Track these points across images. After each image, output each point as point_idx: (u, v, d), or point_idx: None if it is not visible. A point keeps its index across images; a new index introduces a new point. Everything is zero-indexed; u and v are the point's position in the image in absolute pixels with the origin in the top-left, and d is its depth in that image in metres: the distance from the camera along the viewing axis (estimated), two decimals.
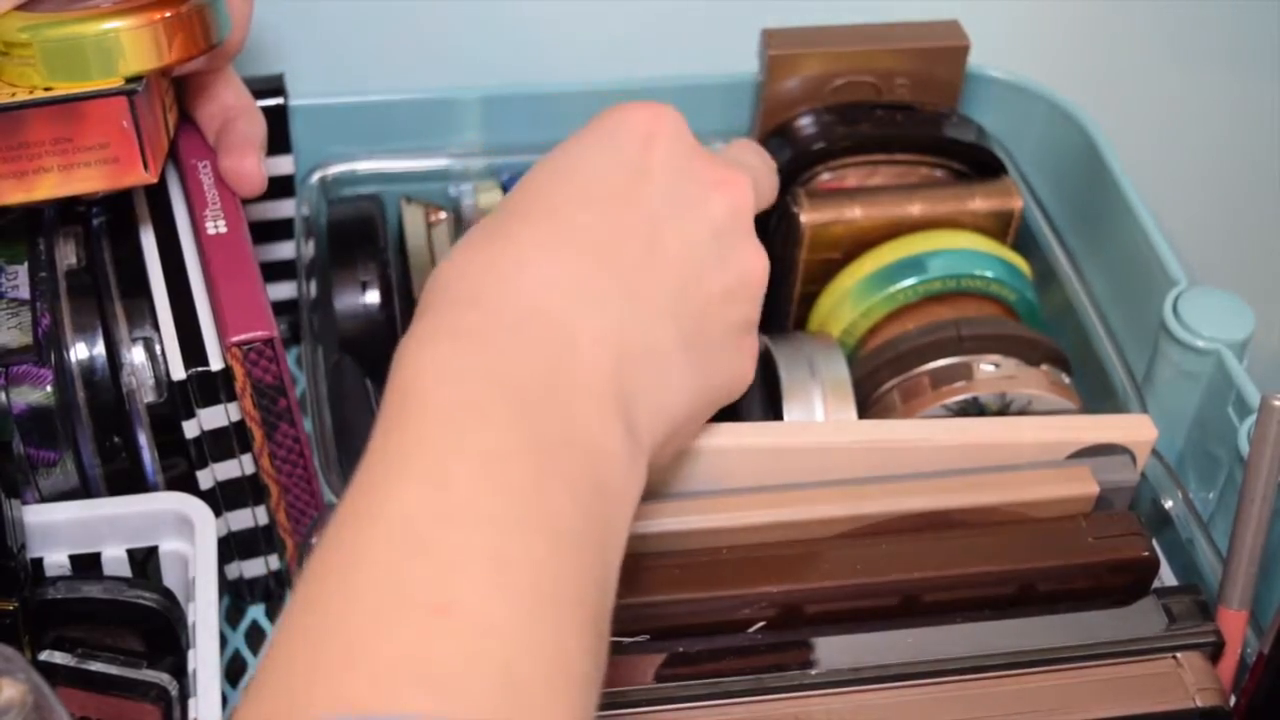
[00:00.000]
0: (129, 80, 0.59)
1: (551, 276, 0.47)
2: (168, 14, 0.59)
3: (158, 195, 0.69)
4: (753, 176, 0.56)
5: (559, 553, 0.40)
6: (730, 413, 0.74)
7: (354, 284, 0.77)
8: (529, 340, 0.45)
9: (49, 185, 0.60)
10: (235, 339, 0.63)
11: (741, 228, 0.54)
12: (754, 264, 0.54)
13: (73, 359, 0.64)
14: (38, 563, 0.64)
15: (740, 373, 0.55)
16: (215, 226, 0.67)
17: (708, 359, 0.52)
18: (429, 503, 0.39)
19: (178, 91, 0.69)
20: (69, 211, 0.69)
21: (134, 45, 0.59)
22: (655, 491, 0.60)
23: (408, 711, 0.33)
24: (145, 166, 0.60)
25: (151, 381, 0.65)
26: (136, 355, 0.65)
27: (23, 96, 0.59)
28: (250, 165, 0.68)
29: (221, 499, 0.68)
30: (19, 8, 0.60)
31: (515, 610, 0.37)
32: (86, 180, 0.60)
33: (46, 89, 0.59)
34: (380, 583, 0.37)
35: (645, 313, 0.49)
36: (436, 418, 0.41)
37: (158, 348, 0.65)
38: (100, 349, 0.65)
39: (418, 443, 0.41)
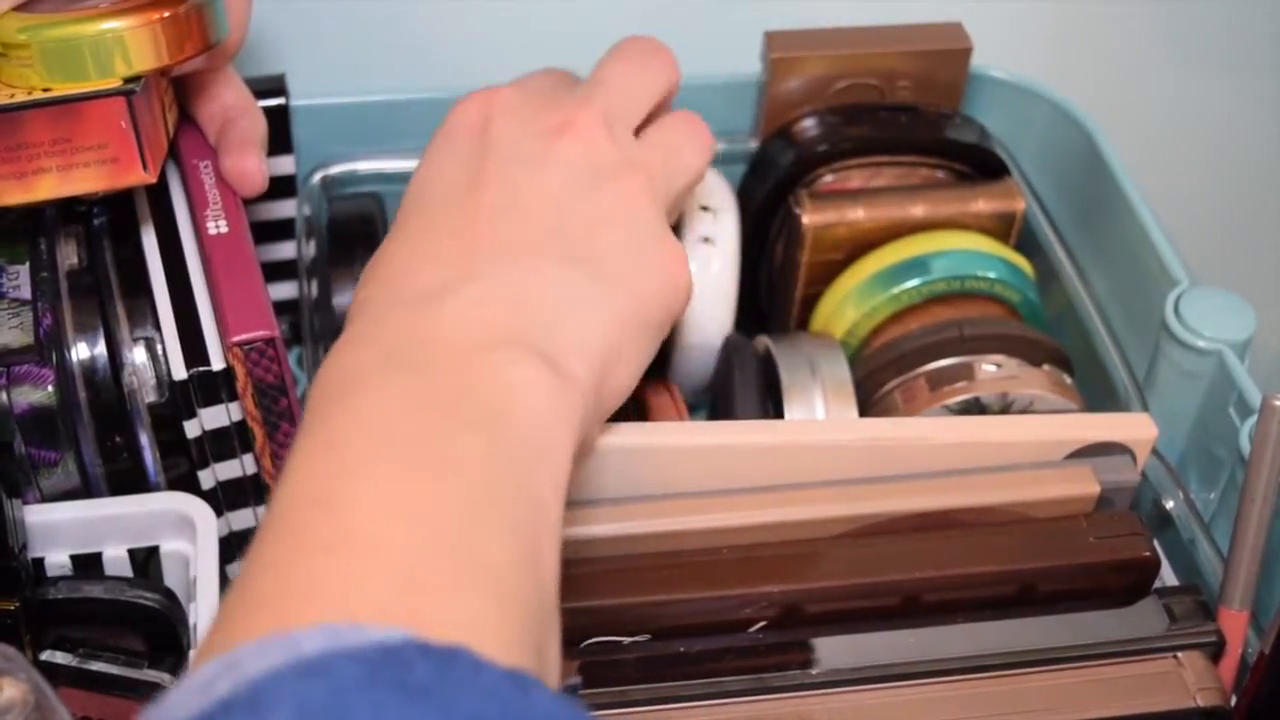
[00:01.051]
0: (128, 80, 0.59)
1: (427, 269, 0.53)
2: (166, 14, 0.59)
3: (159, 195, 0.69)
4: (605, 108, 0.60)
5: (461, 482, 0.43)
6: (730, 413, 0.75)
7: (354, 283, 0.77)
8: (415, 323, 0.50)
9: (48, 186, 0.60)
10: (236, 339, 0.63)
11: (600, 160, 0.57)
12: (626, 183, 0.57)
13: (74, 359, 0.65)
14: (39, 563, 0.64)
15: (667, 274, 0.57)
16: (216, 226, 0.67)
17: (619, 272, 0.55)
18: (325, 464, 0.44)
19: (178, 91, 0.69)
20: (70, 211, 0.69)
21: (132, 45, 0.59)
22: (657, 491, 0.60)
23: (309, 626, 0.37)
24: (144, 167, 0.60)
25: (153, 381, 0.65)
26: (138, 355, 0.65)
27: (21, 97, 0.59)
28: (251, 164, 0.68)
29: (223, 499, 0.68)
30: (17, 8, 0.60)
31: (411, 533, 0.41)
32: (86, 181, 0.60)
33: (45, 90, 0.59)
34: (284, 535, 0.41)
35: (524, 260, 0.53)
36: (331, 395, 0.47)
37: (159, 347, 0.65)
38: (102, 349, 0.65)
39: (320, 418, 0.46)
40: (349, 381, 0.47)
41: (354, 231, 0.80)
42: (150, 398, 0.65)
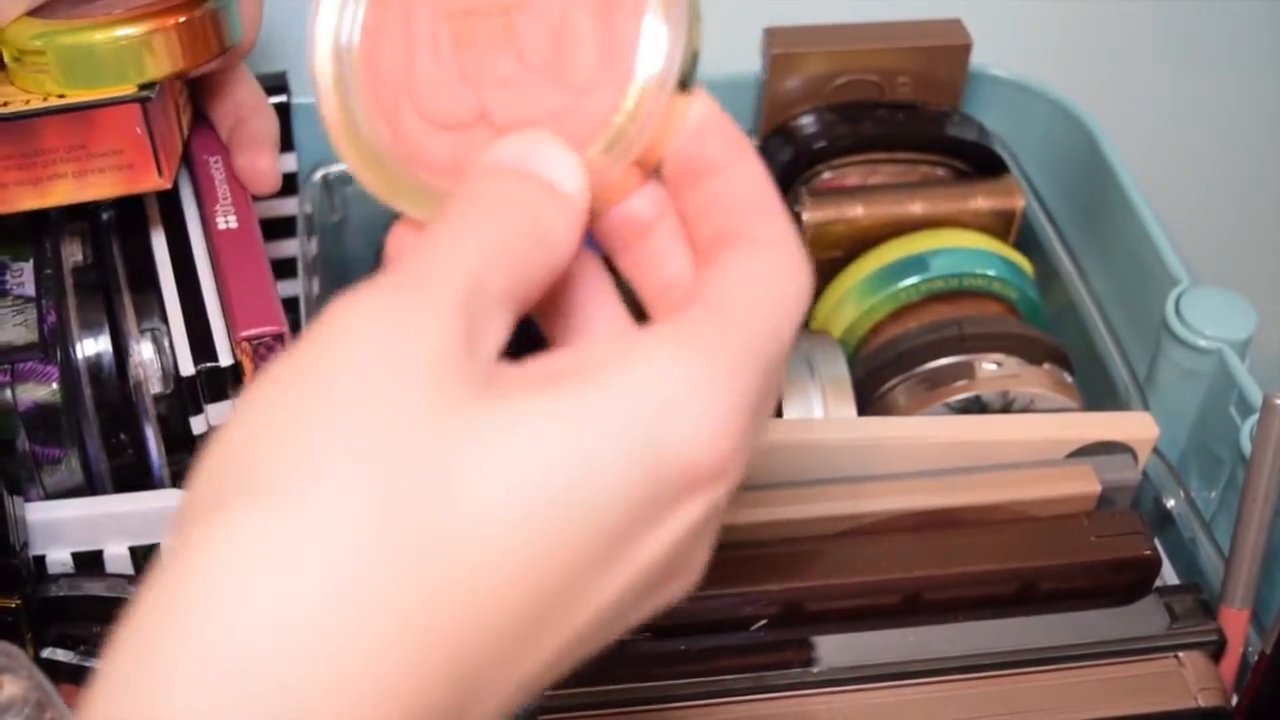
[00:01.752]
0: (143, 86, 0.59)
1: None
2: (181, 19, 0.59)
3: (167, 191, 0.69)
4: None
5: None
6: None
7: None
8: None
9: (64, 191, 0.60)
10: (245, 334, 0.63)
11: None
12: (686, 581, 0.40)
13: (79, 355, 0.64)
14: (40, 560, 0.64)
15: (677, 592, 0.40)
16: (226, 222, 0.67)
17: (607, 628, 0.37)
18: None
19: (191, 89, 0.69)
20: (76, 208, 0.69)
21: (148, 52, 0.59)
22: None
23: None
24: (159, 172, 0.61)
25: (160, 375, 0.65)
26: (145, 350, 0.65)
27: (37, 104, 0.59)
28: (264, 163, 0.68)
29: None
30: (32, 13, 0.60)
31: None
32: (101, 186, 0.60)
33: (60, 96, 0.59)
34: None
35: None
36: None
37: (166, 343, 0.65)
38: (107, 345, 0.65)
39: None
40: None
41: None
42: (156, 389, 0.65)
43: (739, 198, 0.39)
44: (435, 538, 0.31)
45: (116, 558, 0.65)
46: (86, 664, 0.62)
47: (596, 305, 0.41)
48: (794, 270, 0.38)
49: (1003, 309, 0.78)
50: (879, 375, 0.75)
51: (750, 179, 0.40)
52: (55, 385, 0.63)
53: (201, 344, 0.64)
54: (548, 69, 0.39)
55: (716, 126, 0.40)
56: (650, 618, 0.39)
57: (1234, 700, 0.61)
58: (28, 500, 0.62)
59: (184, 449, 0.66)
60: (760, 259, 0.38)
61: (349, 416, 0.32)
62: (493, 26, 0.39)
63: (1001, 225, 0.80)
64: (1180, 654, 0.60)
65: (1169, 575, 0.69)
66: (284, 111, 0.80)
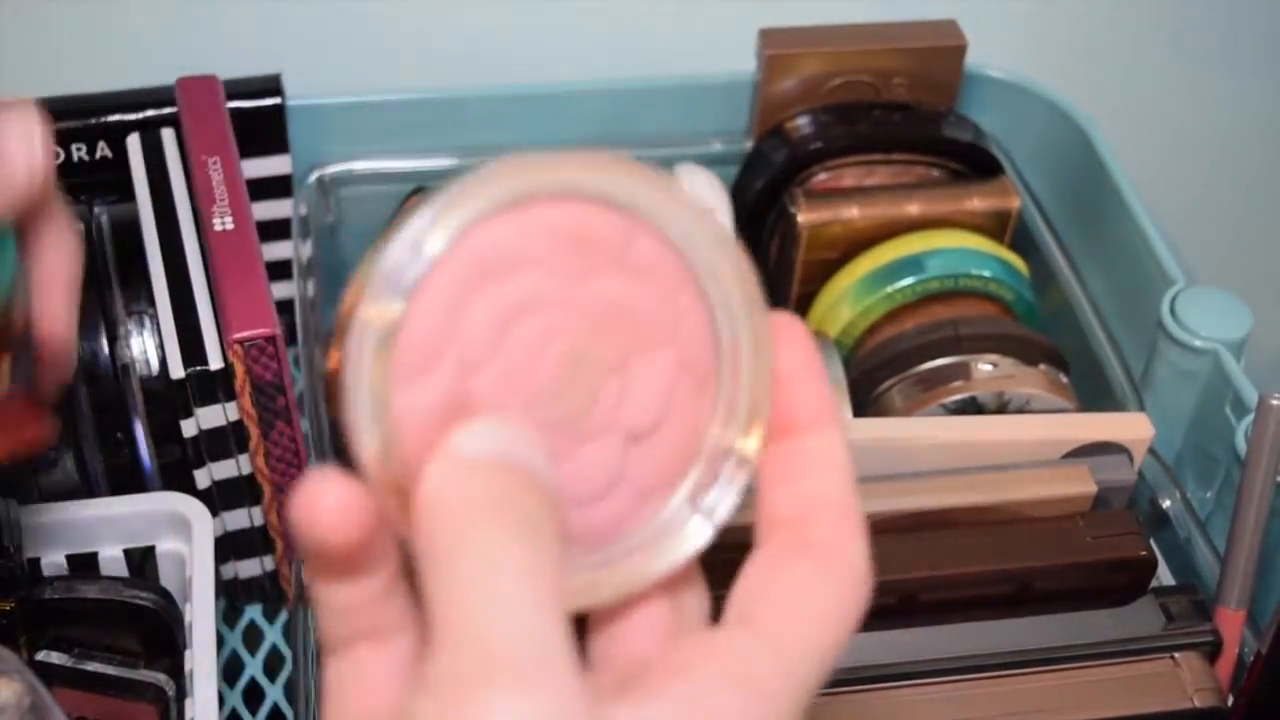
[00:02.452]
0: None
1: None
2: None
3: (161, 192, 0.69)
4: None
5: None
6: None
7: None
8: None
9: None
10: (237, 336, 0.63)
11: None
12: None
13: (74, 356, 0.65)
14: (35, 563, 0.64)
15: None
16: (223, 223, 0.67)
17: None
18: None
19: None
20: (71, 209, 0.69)
21: None
22: None
23: None
24: None
25: (152, 377, 0.65)
26: (136, 353, 0.65)
27: None
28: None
29: (218, 498, 0.68)
30: None
31: None
32: None
33: None
34: None
35: None
36: None
37: (157, 346, 0.65)
38: (103, 345, 0.65)
39: None
40: None
41: None
42: (148, 391, 0.65)
43: (820, 494, 0.39)
44: None
45: (111, 560, 0.65)
46: (81, 666, 0.62)
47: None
48: (856, 596, 0.38)
49: (998, 310, 0.78)
50: (875, 376, 0.75)
51: (838, 472, 0.39)
52: None
53: (192, 348, 0.64)
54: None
55: (807, 383, 0.39)
56: None
57: (1230, 701, 0.61)
58: (23, 503, 0.62)
59: (172, 440, 0.66)
60: (827, 580, 0.38)
61: None
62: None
63: (997, 226, 0.80)
64: (1176, 654, 0.60)
65: (1165, 576, 0.69)
66: (278, 114, 0.80)
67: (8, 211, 0.50)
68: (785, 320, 0.39)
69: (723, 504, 0.38)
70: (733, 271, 0.38)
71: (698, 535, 0.38)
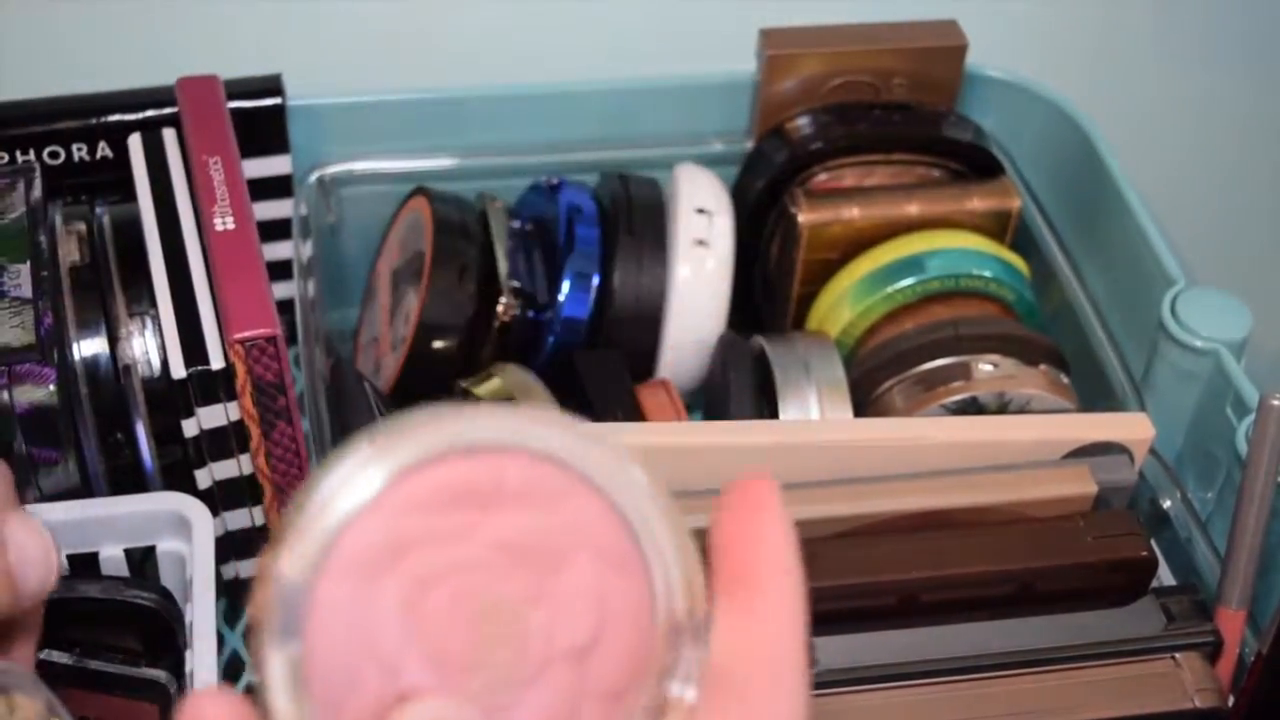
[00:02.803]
0: None
1: None
2: None
3: (163, 192, 0.69)
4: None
5: None
6: (724, 412, 0.74)
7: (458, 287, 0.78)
8: None
9: None
10: (238, 336, 0.63)
11: None
12: None
13: (76, 357, 0.64)
14: None
15: None
16: (224, 223, 0.67)
17: None
18: None
19: None
20: (72, 209, 0.69)
21: None
22: None
23: None
24: None
25: (153, 378, 0.65)
26: (138, 353, 0.65)
27: None
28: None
29: (219, 498, 0.68)
30: None
31: None
32: None
33: None
34: None
35: None
36: None
37: (159, 346, 0.65)
38: (103, 345, 0.65)
39: None
40: None
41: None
42: (147, 378, 0.65)
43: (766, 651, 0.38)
44: None
45: (112, 560, 0.65)
46: (83, 665, 0.62)
47: None
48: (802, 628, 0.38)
49: (999, 310, 0.78)
50: (875, 376, 0.75)
51: (785, 626, 0.38)
52: (53, 387, 0.63)
53: (193, 347, 0.64)
54: None
55: (746, 546, 0.40)
56: None
57: (1231, 701, 0.61)
58: (24, 502, 0.62)
59: (173, 440, 0.66)
60: (767, 619, 0.38)
61: None
62: None
63: (998, 226, 0.80)
64: (1177, 655, 0.60)
65: (1165, 576, 0.69)
66: (278, 114, 0.80)
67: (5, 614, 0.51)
68: (739, 484, 0.40)
69: (694, 669, 0.37)
70: (607, 453, 0.38)
71: (681, 705, 0.37)
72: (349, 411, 0.72)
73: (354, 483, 0.36)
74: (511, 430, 0.37)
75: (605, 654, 0.37)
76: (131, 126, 0.76)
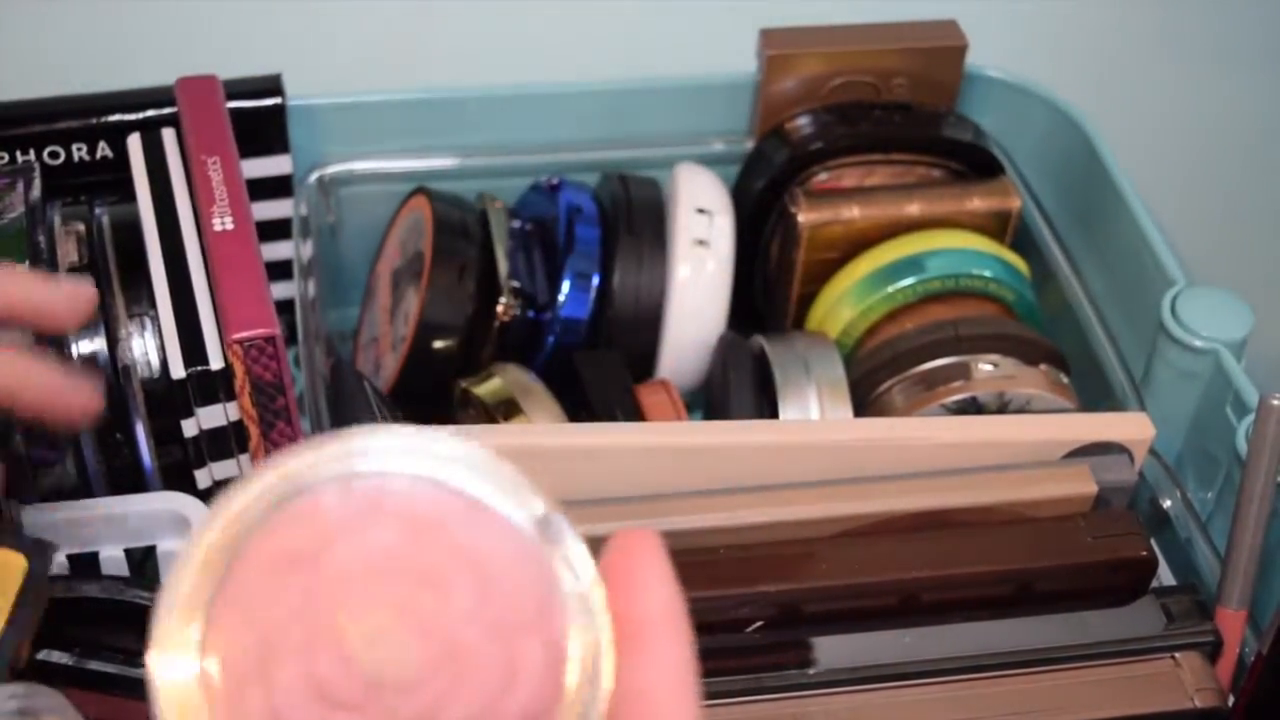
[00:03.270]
0: None
1: None
2: None
3: (162, 192, 0.69)
4: None
5: None
6: (725, 412, 0.74)
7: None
8: None
9: None
10: (237, 336, 0.63)
11: None
12: None
13: (75, 356, 0.64)
14: None
15: None
16: (223, 223, 0.67)
17: None
18: None
19: None
20: (71, 209, 0.69)
21: None
22: (654, 491, 0.60)
23: None
24: None
25: (152, 378, 0.65)
26: (137, 353, 0.65)
27: None
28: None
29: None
30: None
31: None
32: None
33: None
34: None
35: None
36: None
37: (158, 346, 0.65)
38: (103, 345, 0.65)
39: None
40: None
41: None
42: (146, 378, 0.65)
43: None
44: None
45: (111, 559, 0.65)
46: (83, 665, 0.62)
47: None
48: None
49: (999, 310, 0.78)
50: (875, 376, 0.75)
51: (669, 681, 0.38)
52: None
53: (192, 348, 0.64)
54: None
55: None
56: None
57: (1230, 701, 0.61)
58: (23, 503, 0.62)
59: (172, 440, 0.66)
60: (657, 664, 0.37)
61: None
62: None
63: (998, 226, 0.80)
64: (1177, 655, 0.60)
65: (1165, 576, 0.69)
66: (278, 114, 0.80)
67: None
68: (621, 534, 0.38)
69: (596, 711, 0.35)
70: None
71: None
72: (349, 411, 0.72)
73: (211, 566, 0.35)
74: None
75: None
76: (131, 126, 0.76)
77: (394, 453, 0.35)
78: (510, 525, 0.36)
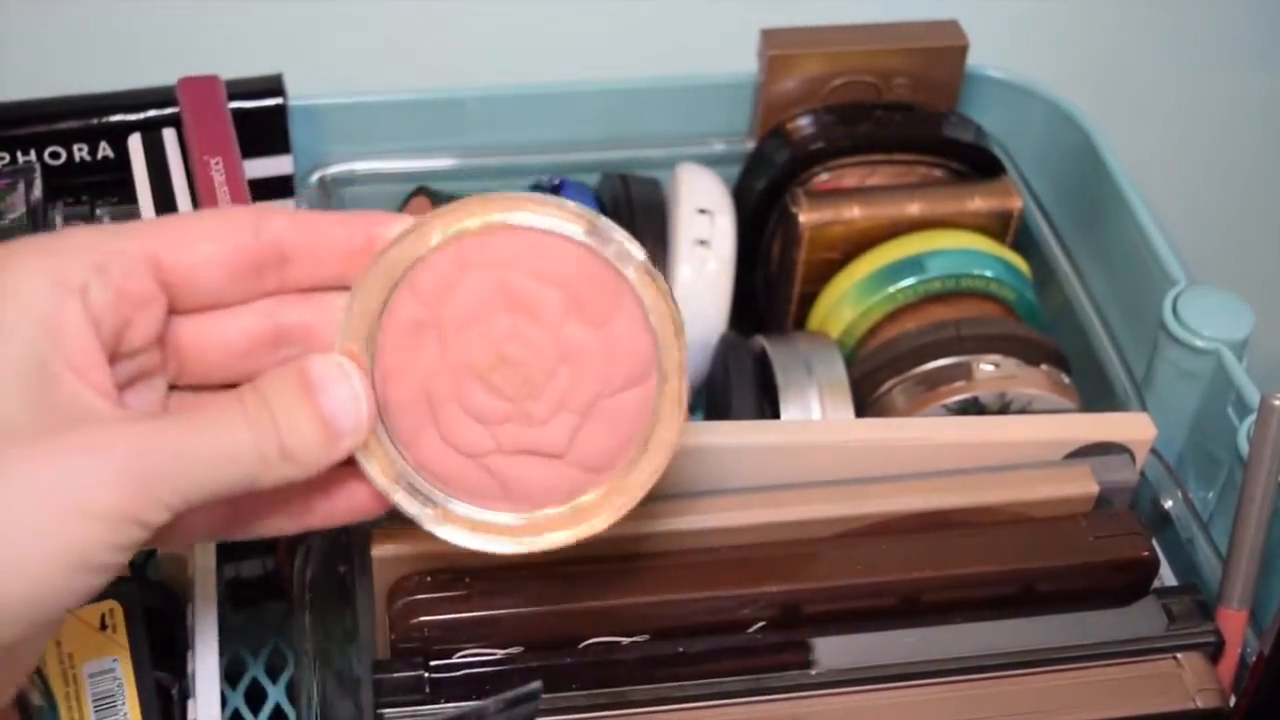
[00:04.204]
0: None
1: None
2: None
3: (163, 192, 0.69)
4: None
5: None
6: (726, 413, 0.74)
7: None
8: None
9: None
10: None
11: None
12: None
13: None
14: None
15: None
16: None
17: None
18: None
19: None
20: (73, 210, 0.69)
21: None
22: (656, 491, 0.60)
23: None
24: None
25: None
26: None
27: None
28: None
29: None
30: None
31: None
32: None
33: None
34: None
35: None
36: None
37: None
38: None
39: None
40: None
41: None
42: None
43: None
44: None
45: None
46: None
47: None
48: None
49: (1000, 310, 0.78)
50: (876, 376, 0.75)
51: None
52: None
53: None
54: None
55: None
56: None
57: (1232, 701, 0.61)
58: None
59: None
60: None
61: None
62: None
63: (999, 226, 0.80)
64: (1178, 655, 0.60)
65: (1167, 576, 0.68)
66: (280, 113, 0.80)
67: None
68: None
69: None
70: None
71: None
72: None
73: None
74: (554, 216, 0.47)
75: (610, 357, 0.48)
76: (132, 126, 0.76)
77: (460, 215, 0.47)
78: (570, 240, 0.47)
